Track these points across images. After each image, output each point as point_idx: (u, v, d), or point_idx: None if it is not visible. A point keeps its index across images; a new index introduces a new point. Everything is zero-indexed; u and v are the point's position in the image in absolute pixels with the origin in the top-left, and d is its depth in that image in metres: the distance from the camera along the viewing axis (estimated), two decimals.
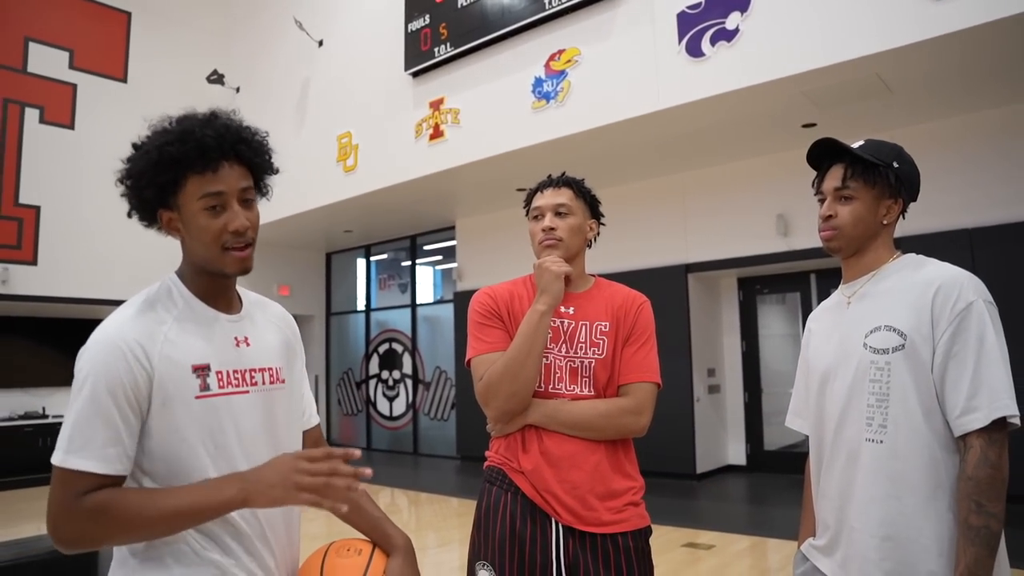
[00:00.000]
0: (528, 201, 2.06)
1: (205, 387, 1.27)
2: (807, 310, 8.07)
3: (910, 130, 6.68)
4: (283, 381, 1.41)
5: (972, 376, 1.42)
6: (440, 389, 10.84)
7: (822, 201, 1.70)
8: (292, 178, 9.86)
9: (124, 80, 10.67)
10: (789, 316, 8.52)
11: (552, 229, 1.92)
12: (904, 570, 1.45)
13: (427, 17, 8.05)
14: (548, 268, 1.85)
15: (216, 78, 10.72)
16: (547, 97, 6.92)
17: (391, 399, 11.66)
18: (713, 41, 5.83)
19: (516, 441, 1.88)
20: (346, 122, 9.01)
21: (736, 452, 8.43)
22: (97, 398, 1.18)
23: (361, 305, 12.59)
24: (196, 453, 1.25)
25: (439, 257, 11.68)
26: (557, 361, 1.89)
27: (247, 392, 1.32)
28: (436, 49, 7.87)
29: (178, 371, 1.25)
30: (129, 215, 1.34)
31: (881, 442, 1.50)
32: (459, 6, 7.73)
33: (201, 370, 1.27)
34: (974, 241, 6.19)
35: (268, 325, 1.46)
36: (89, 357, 1.21)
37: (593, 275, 2.07)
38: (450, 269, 11.21)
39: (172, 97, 10.81)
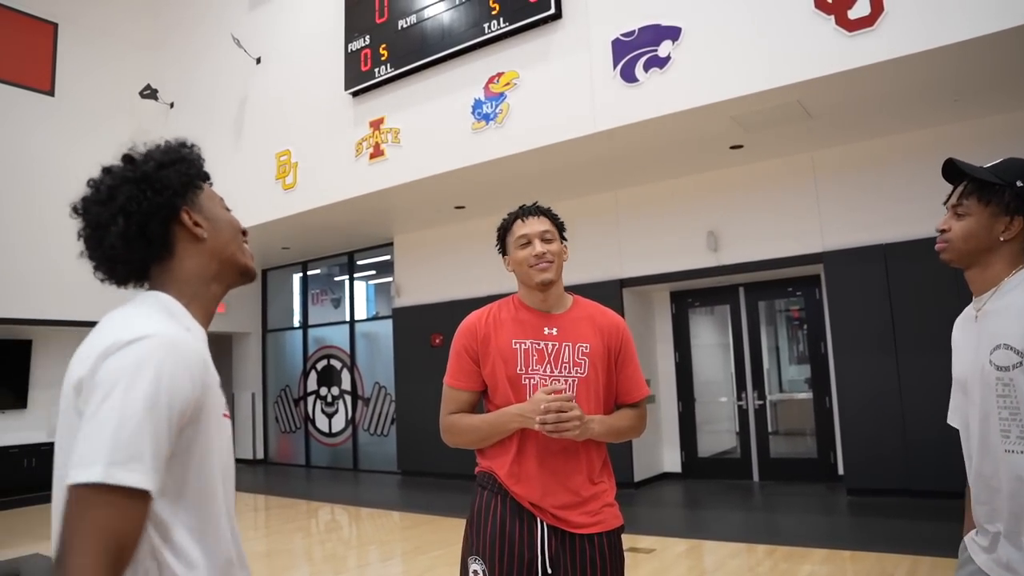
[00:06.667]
0: (506, 229, 2.21)
1: (223, 405, 1.19)
2: (736, 321, 8.45)
3: (829, 152, 7.10)
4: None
5: None
6: (380, 404, 10.85)
7: None
8: (229, 196, 9.70)
9: (51, 93, 10.43)
10: (719, 328, 8.86)
11: (544, 253, 2.11)
12: None
13: (367, 38, 8.14)
14: (541, 419, 1.93)
15: (149, 93, 10.56)
16: (486, 119, 7.10)
17: (330, 415, 11.61)
18: (646, 68, 6.11)
19: (507, 453, 2.05)
20: (285, 140, 9.00)
21: (672, 460, 8.72)
22: (155, 406, 1.01)
23: (296, 321, 12.52)
24: (213, 474, 1.14)
25: (372, 272, 11.71)
26: (543, 382, 2.06)
27: (227, 415, 1.23)
28: (376, 70, 7.98)
29: (215, 385, 1.16)
30: (139, 207, 1.19)
31: (1022, 452, 1.54)
32: (399, 28, 7.86)
33: (220, 387, 1.19)
34: (888, 255, 6.62)
35: None
36: (149, 355, 1.04)
37: (570, 293, 2.24)
38: (384, 284, 11.25)
39: (104, 111, 10.71)
